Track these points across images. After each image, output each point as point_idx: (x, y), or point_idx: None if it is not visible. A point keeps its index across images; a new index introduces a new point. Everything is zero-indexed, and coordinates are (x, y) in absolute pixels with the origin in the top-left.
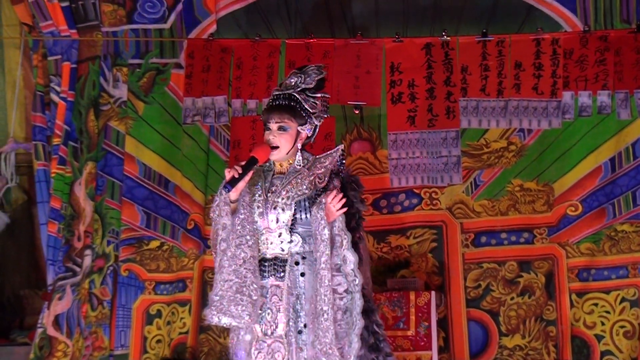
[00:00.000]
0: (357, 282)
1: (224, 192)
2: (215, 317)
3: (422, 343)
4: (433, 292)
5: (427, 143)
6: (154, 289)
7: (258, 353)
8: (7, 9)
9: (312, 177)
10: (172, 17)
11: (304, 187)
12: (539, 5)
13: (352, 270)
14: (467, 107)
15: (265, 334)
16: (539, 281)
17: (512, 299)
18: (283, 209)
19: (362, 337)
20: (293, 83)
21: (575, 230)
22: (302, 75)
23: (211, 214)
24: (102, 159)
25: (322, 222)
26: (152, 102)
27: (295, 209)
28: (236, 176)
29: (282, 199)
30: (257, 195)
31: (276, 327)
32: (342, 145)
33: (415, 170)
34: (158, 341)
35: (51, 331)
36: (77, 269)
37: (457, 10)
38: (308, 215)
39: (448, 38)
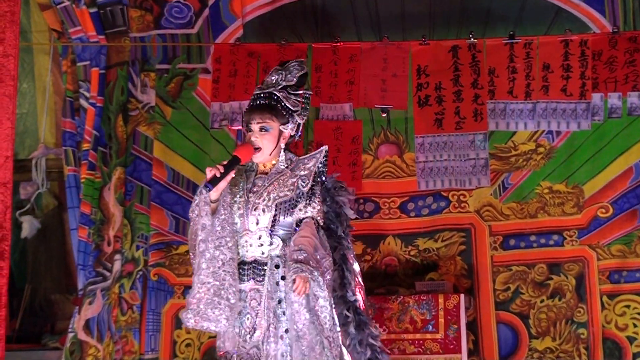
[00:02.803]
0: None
1: (204, 192)
2: (192, 321)
3: (452, 346)
4: (462, 295)
5: (454, 146)
6: (183, 293)
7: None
8: (36, 16)
9: (295, 179)
10: (199, 22)
11: (286, 189)
12: (567, 6)
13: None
14: (495, 110)
15: (244, 340)
16: (570, 283)
17: (542, 301)
18: (264, 211)
19: (358, 351)
20: (274, 81)
21: (606, 232)
22: (284, 72)
23: (190, 214)
24: (130, 164)
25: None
26: (180, 107)
27: (275, 211)
28: (218, 175)
29: (263, 200)
30: (237, 196)
31: (254, 332)
32: (326, 146)
33: (443, 173)
34: (187, 345)
35: (82, 335)
36: (107, 273)
37: (483, 13)
38: (289, 218)
39: (475, 40)
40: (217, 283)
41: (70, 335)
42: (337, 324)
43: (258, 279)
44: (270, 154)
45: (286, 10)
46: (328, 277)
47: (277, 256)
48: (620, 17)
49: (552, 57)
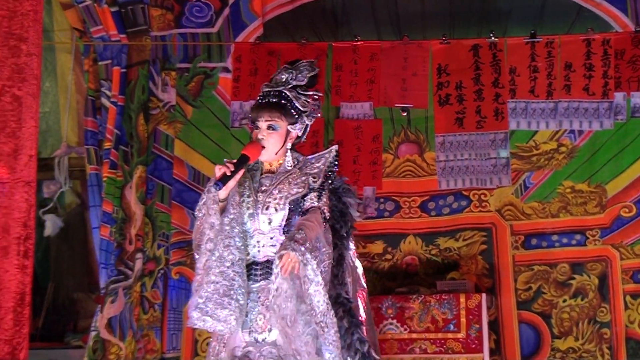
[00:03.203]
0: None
1: (213, 190)
2: (200, 321)
3: (473, 345)
4: (484, 294)
5: (475, 145)
6: None
7: (241, 354)
8: (58, 15)
9: (305, 177)
10: (220, 21)
11: (297, 186)
12: (589, 5)
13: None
14: (516, 109)
15: (256, 340)
16: (592, 283)
17: (564, 301)
18: (276, 209)
19: (345, 355)
20: (284, 79)
21: (629, 231)
22: (294, 71)
23: (197, 212)
24: (152, 163)
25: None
26: (201, 106)
27: (289, 210)
28: (228, 174)
29: (275, 199)
30: (245, 195)
31: (269, 332)
32: (336, 146)
33: (464, 173)
34: (209, 344)
35: (104, 334)
36: (129, 272)
37: (504, 12)
38: (301, 216)
39: (496, 39)
40: (227, 283)
41: (93, 333)
42: (332, 309)
43: (272, 279)
44: (276, 153)
45: (306, 9)
46: (324, 269)
47: None
48: None
49: (574, 56)
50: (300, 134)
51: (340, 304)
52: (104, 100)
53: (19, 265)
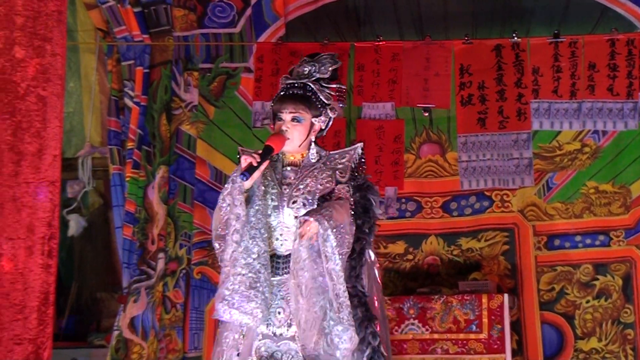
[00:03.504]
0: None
1: (237, 180)
2: (227, 314)
3: (496, 346)
4: (506, 295)
5: (497, 145)
6: None
7: (267, 354)
8: (82, 15)
9: (331, 172)
10: (242, 22)
11: (325, 181)
12: (613, 5)
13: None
14: (539, 109)
15: (274, 334)
16: (616, 284)
17: (587, 302)
18: (304, 205)
19: (360, 349)
20: (307, 72)
21: None
22: (316, 64)
23: (221, 203)
24: (174, 163)
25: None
26: (223, 106)
27: (317, 206)
28: (254, 164)
29: (302, 193)
30: (269, 187)
31: (289, 326)
32: (362, 143)
33: (486, 173)
34: (220, 332)
35: (127, 333)
36: (152, 272)
37: (527, 12)
38: None
39: (519, 39)
40: (253, 275)
41: (116, 333)
42: (347, 294)
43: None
44: (299, 146)
45: (328, 10)
46: (343, 255)
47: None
48: None
49: (598, 56)
50: (323, 127)
51: (356, 295)
52: (127, 101)
53: (43, 264)
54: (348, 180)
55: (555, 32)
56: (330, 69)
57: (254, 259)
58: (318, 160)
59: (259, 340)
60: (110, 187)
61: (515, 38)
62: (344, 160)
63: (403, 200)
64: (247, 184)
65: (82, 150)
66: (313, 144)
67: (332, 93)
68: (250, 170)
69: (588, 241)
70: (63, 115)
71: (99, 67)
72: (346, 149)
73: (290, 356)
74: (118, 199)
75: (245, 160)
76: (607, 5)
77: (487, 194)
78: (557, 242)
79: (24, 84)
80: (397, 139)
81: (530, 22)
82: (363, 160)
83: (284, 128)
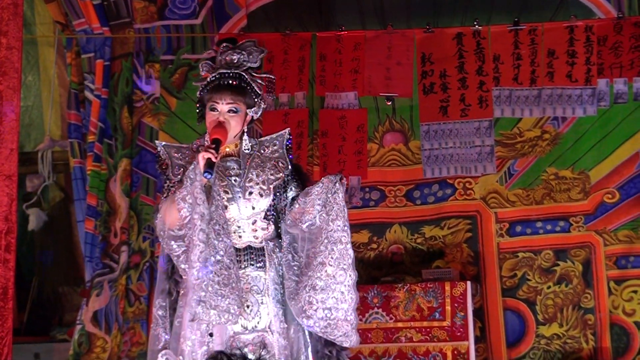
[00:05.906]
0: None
1: (198, 178)
2: (206, 315)
3: (459, 333)
4: (469, 282)
5: (460, 133)
6: None
7: (242, 347)
8: (40, 8)
9: (272, 161)
10: (203, 13)
11: (273, 170)
12: None
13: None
14: (500, 97)
15: (245, 328)
16: (576, 269)
17: (548, 287)
18: (261, 195)
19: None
20: (236, 60)
21: (612, 217)
22: (244, 53)
23: (180, 203)
24: (136, 156)
25: (337, 186)
26: (185, 97)
27: (273, 195)
28: (214, 160)
29: (257, 184)
30: (219, 179)
31: (260, 319)
32: (289, 129)
33: (449, 161)
34: None
35: (90, 327)
36: (114, 265)
37: (488, 0)
38: (283, 201)
39: (480, 27)
40: (225, 272)
41: (78, 327)
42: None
43: (258, 265)
44: (234, 137)
45: (290, 0)
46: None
47: (271, 240)
48: (625, 2)
49: (557, 43)
50: (255, 117)
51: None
52: (88, 94)
53: (0, 259)
54: (291, 172)
55: (516, 19)
56: (258, 57)
57: (222, 255)
58: (252, 149)
59: (232, 336)
60: (72, 180)
61: (476, 26)
62: (276, 148)
63: (367, 189)
64: (212, 180)
65: (41, 144)
66: (245, 134)
67: (263, 83)
68: (211, 166)
69: (549, 227)
70: (20, 108)
71: (58, 60)
72: (276, 134)
73: (262, 348)
74: (79, 193)
75: (203, 158)
76: None
77: (450, 181)
78: (518, 228)
79: None
80: (360, 128)
81: (491, 11)
82: (290, 146)
83: (221, 119)
